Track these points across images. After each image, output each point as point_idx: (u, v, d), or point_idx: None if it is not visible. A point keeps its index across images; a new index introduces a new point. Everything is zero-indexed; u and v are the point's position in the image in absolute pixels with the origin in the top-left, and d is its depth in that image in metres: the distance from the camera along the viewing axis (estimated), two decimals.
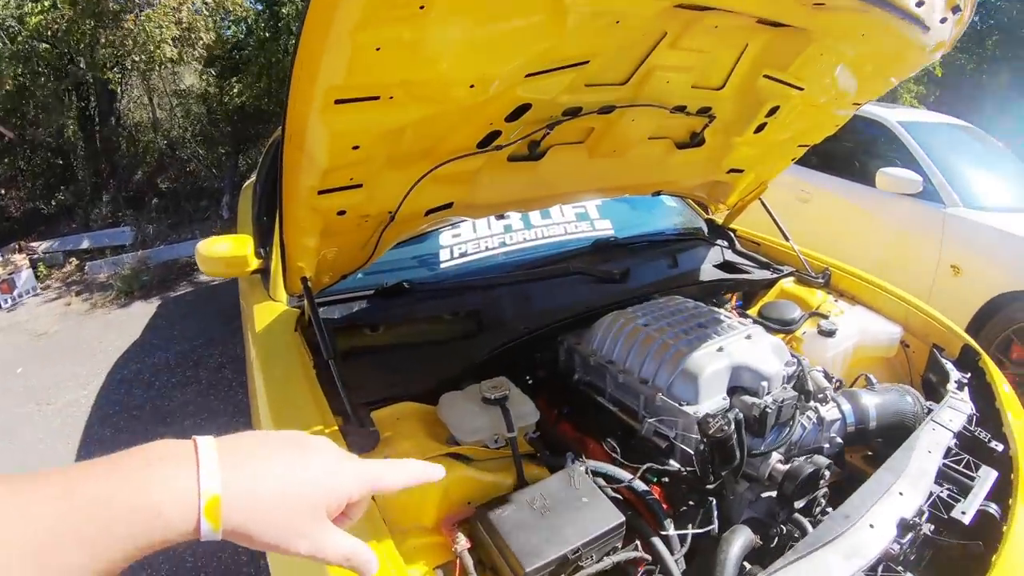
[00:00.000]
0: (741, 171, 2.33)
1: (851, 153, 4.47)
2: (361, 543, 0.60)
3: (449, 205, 1.60)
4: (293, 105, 1.09)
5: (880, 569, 1.20)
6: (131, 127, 7.01)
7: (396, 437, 1.41)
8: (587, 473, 1.34)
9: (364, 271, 1.75)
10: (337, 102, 1.08)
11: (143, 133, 7.11)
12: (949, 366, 1.93)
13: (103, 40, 5.50)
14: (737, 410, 1.41)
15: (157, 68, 6.76)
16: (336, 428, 1.35)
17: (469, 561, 1.16)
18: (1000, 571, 1.24)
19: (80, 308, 5.72)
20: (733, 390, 1.53)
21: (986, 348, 3.30)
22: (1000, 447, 1.61)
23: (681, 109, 1.74)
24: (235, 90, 6.82)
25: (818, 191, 4.46)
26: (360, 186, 1.34)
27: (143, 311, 5.62)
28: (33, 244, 6.13)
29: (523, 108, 1.36)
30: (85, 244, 6.17)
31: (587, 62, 1.30)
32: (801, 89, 1.79)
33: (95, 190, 6.49)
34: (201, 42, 6.44)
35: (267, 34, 6.65)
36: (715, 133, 1.98)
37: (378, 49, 0.95)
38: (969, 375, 1.90)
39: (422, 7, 0.90)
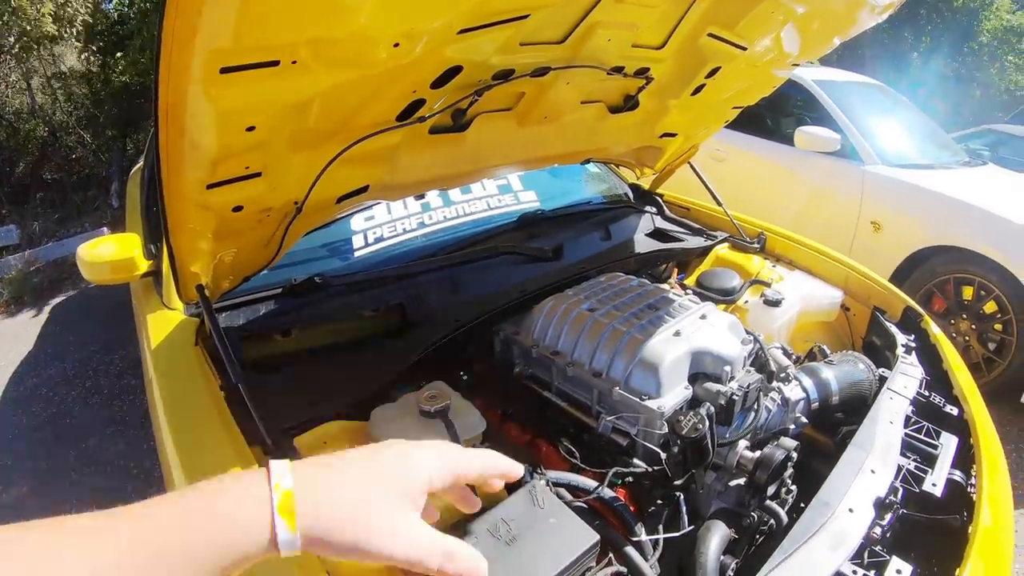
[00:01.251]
0: (674, 135, 2.19)
1: (767, 112, 4.44)
2: (462, 542, 0.54)
3: (364, 189, 1.37)
4: (166, 79, 0.84)
5: (866, 555, 1.14)
6: (9, 115, 6.20)
7: None
8: (549, 487, 1.18)
9: (267, 272, 1.50)
10: (224, 71, 0.84)
11: (22, 121, 6.31)
12: (893, 329, 1.89)
13: None
14: (708, 404, 1.27)
15: (35, 49, 6.02)
16: (255, 464, 1.12)
17: None
18: (979, 542, 1.22)
19: None
20: (694, 377, 1.39)
21: None
22: (955, 411, 1.60)
23: (619, 70, 1.56)
24: (119, 67, 6.14)
25: (734, 150, 4.41)
26: (259, 175, 1.09)
27: (35, 318, 5.08)
28: None
29: (452, 72, 1.14)
30: None
31: (527, 16, 1.09)
32: (744, 49, 1.64)
33: None
34: (79, 17, 5.75)
35: (149, 4, 5.98)
36: (651, 96, 1.81)
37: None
38: (913, 337, 1.86)
39: None
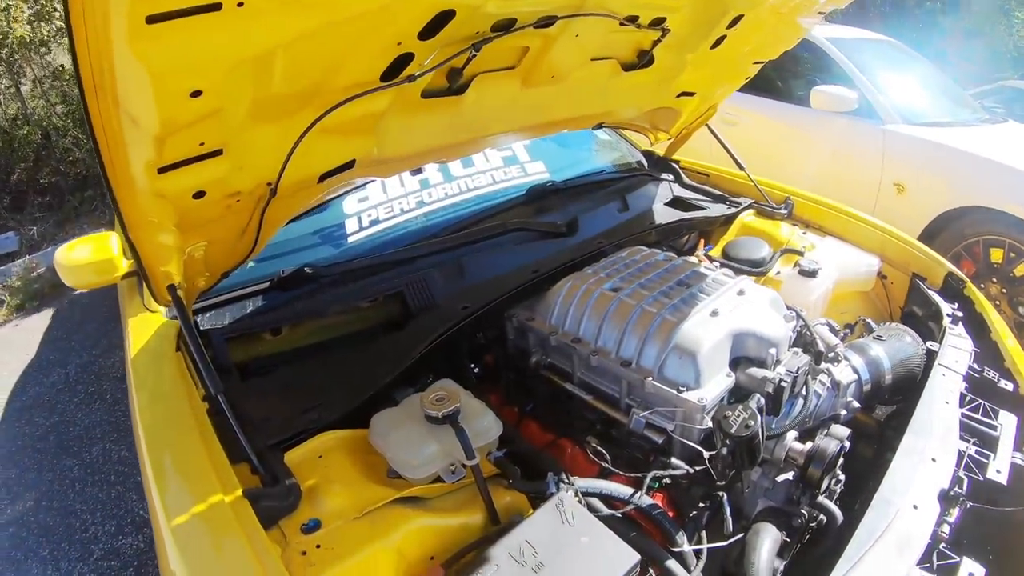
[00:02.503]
0: (692, 94, 1.99)
1: (778, 72, 4.19)
2: None
3: (350, 164, 1.18)
4: (83, 39, 0.68)
5: (935, 558, 1.02)
6: (2, 122, 6.03)
7: (323, 485, 1.04)
8: (579, 499, 1.01)
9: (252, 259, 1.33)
10: (151, 19, 0.66)
11: (16, 127, 6.13)
12: (936, 298, 1.74)
13: None
14: (756, 394, 1.09)
15: (18, 53, 5.83)
16: (239, 493, 0.95)
17: None
18: None
19: None
20: (736, 362, 1.22)
21: None
22: (1010, 386, 1.46)
23: (633, 20, 1.36)
24: None
25: (746, 113, 4.18)
26: (219, 153, 0.92)
27: (37, 324, 4.98)
28: None
29: (443, 18, 0.95)
30: None
31: None
32: None
33: None
34: (58, 12, 5.55)
35: None
36: (667, 50, 1.61)
37: None
38: (956, 305, 1.71)
39: None
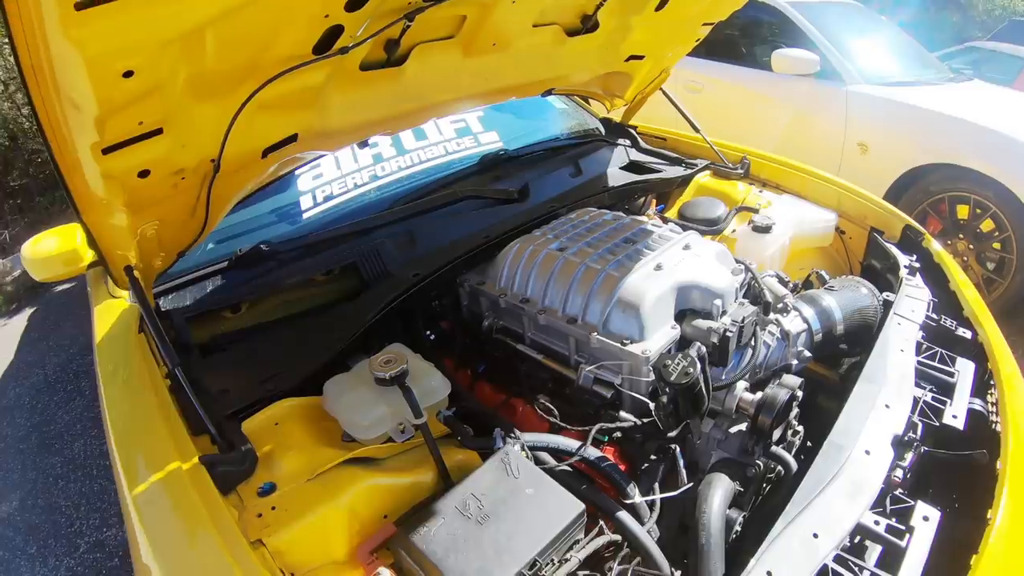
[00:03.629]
0: (641, 58, 2.02)
1: (740, 38, 4.25)
2: None
3: (293, 138, 1.20)
4: (19, 29, 0.71)
5: (888, 502, 1.03)
6: None
7: (278, 451, 1.07)
8: (524, 452, 1.05)
9: (208, 240, 1.35)
10: (79, 6, 0.69)
11: None
12: (894, 250, 1.77)
13: None
14: (699, 344, 1.13)
15: None
16: (196, 460, 0.99)
17: None
18: (1011, 479, 1.10)
19: None
20: (681, 314, 1.26)
21: None
22: (968, 333, 1.49)
23: None
24: None
25: (709, 80, 4.23)
26: (159, 132, 0.94)
27: (13, 327, 5.00)
28: None
29: None
30: None
31: None
32: None
33: None
34: None
35: None
36: (611, 13, 1.63)
37: None
38: (915, 257, 1.74)
39: None
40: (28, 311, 5.17)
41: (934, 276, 1.71)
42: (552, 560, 0.90)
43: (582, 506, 0.94)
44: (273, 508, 0.98)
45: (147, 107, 0.90)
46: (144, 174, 1.01)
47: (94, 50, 0.76)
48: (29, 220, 5.83)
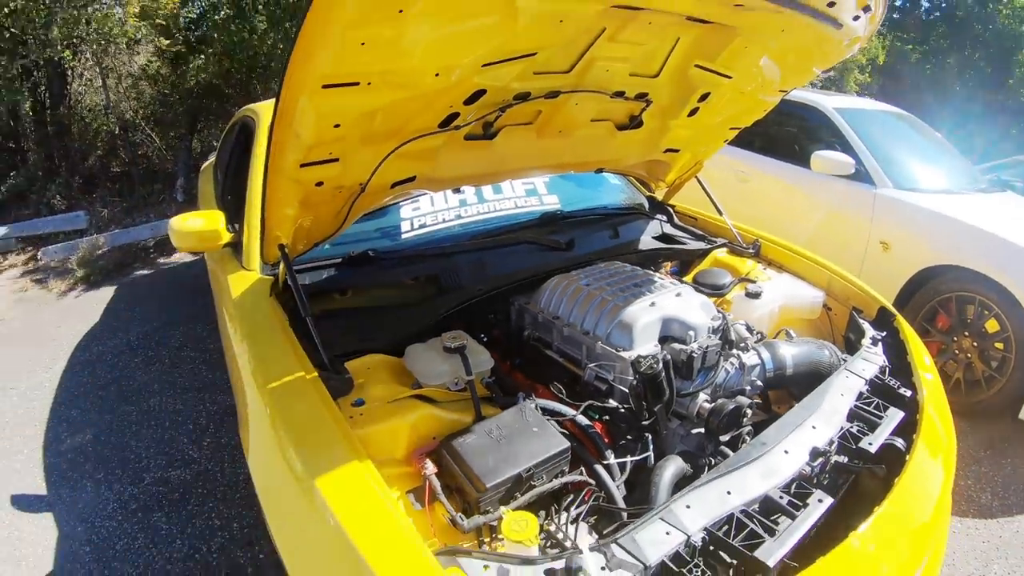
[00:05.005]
0: (677, 151, 2.60)
1: (790, 137, 4.81)
2: None
3: (412, 179, 1.83)
4: (287, 89, 1.30)
5: (793, 487, 1.44)
6: (83, 110, 6.96)
7: (369, 382, 1.63)
8: (536, 409, 1.58)
9: (331, 242, 1.96)
10: (325, 87, 1.30)
11: (95, 116, 7.07)
12: (865, 325, 2.19)
13: (58, 19, 5.48)
14: (665, 352, 1.66)
15: (113, 46, 6.70)
16: (316, 375, 1.55)
17: (436, 483, 1.36)
18: (900, 489, 1.46)
19: (36, 294, 5.73)
20: (664, 339, 1.79)
21: (914, 318, 3.66)
22: (908, 392, 1.83)
23: (620, 95, 1.99)
24: (196, 64, 6.79)
25: (756, 172, 4.78)
26: (337, 160, 1.55)
27: (100, 295, 5.65)
28: None
29: (479, 93, 1.59)
30: (41, 230, 6.16)
31: (535, 54, 1.53)
32: (729, 77, 2.05)
33: (47, 175, 6.45)
34: (162, 12, 6.40)
35: (231, 11, 6.66)
36: (652, 116, 2.23)
37: (363, 44, 1.17)
38: (884, 333, 2.15)
39: (400, 11, 1.12)
40: (112, 286, 5.81)
41: (898, 350, 2.07)
42: (542, 476, 1.42)
43: (568, 444, 1.46)
44: (361, 415, 1.52)
45: (335, 145, 1.52)
46: (319, 184, 1.62)
47: (324, 110, 1.37)
48: (127, 205, 6.72)
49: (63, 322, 5.14)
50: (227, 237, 2.36)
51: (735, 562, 1.22)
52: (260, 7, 6.44)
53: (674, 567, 1.18)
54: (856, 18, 1.81)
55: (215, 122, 7.71)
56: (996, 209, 4.01)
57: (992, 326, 3.53)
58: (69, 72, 6.55)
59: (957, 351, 3.68)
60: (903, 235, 3.88)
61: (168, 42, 6.68)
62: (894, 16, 16.88)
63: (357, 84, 1.30)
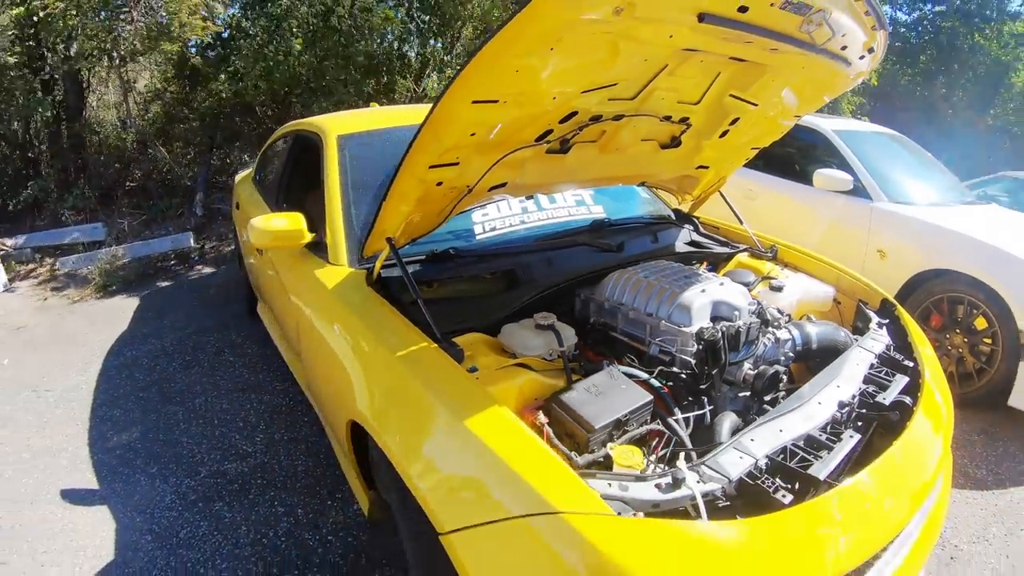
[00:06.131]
0: (706, 167, 3.07)
1: (793, 157, 5.40)
2: None
3: (504, 184, 2.25)
4: (446, 102, 1.67)
5: (828, 428, 1.85)
6: (100, 124, 7.30)
7: (475, 354, 2.03)
8: (621, 371, 1.99)
9: (411, 244, 2.35)
10: (474, 102, 1.70)
11: (114, 130, 7.42)
12: (871, 314, 2.64)
13: (81, 32, 5.82)
14: (721, 326, 2.08)
15: (134, 62, 6.98)
16: (434, 346, 1.95)
17: (550, 431, 1.67)
18: (910, 430, 1.83)
19: (57, 303, 6.00)
20: (714, 319, 2.21)
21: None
22: (911, 363, 2.22)
23: (668, 118, 2.43)
24: (221, 83, 7.12)
25: (763, 190, 5.38)
26: (457, 164, 1.96)
27: (124, 305, 5.93)
28: (2, 240, 6.35)
29: (572, 114, 2.02)
30: (60, 240, 6.45)
31: (615, 84, 1.96)
32: (756, 105, 2.50)
33: (64, 186, 6.75)
34: (199, 20, 6.71)
35: (265, 37, 7.03)
36: (690, 137, 2.68)
37: (517, 71, 1.58)
38: (887, 320, 2.60)
39: (552, 48, 1.53)
40: (137, 296, 6.05)
41: (899, 334, 2.45)
42: (632, 421, 1.82)
43: (650, 397, 1.86)
44: (477, 378, 1.90)
45: (460, 151, 1.92)
46: (439, 184, 2.02)
47: (466, 120, 1.77)
48: (146, 218, 7.03)
49: (89, 329, 5.38)
50: (309, 237, 2.75)
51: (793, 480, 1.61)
52: (295, 29, 6.80)
53: (749, 481, 1.59)
54: (862, 57, 2.27)
55: (235, 138, 8.05)
56: (981, 219, 4.56)
57: (980, 323, 4.01)
58: (87, 86, 6.89)
59: (950, 347, 4.18)
60: (898, 244, 4.41)
61: (197, 57, 7.02)
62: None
63: (496, 102, 1.71)
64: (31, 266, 6.47)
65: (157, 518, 3.00)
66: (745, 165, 3.22)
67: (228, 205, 6.95)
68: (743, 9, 1.67)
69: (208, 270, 6.74)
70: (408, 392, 1.85)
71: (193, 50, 7.21)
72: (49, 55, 6.17)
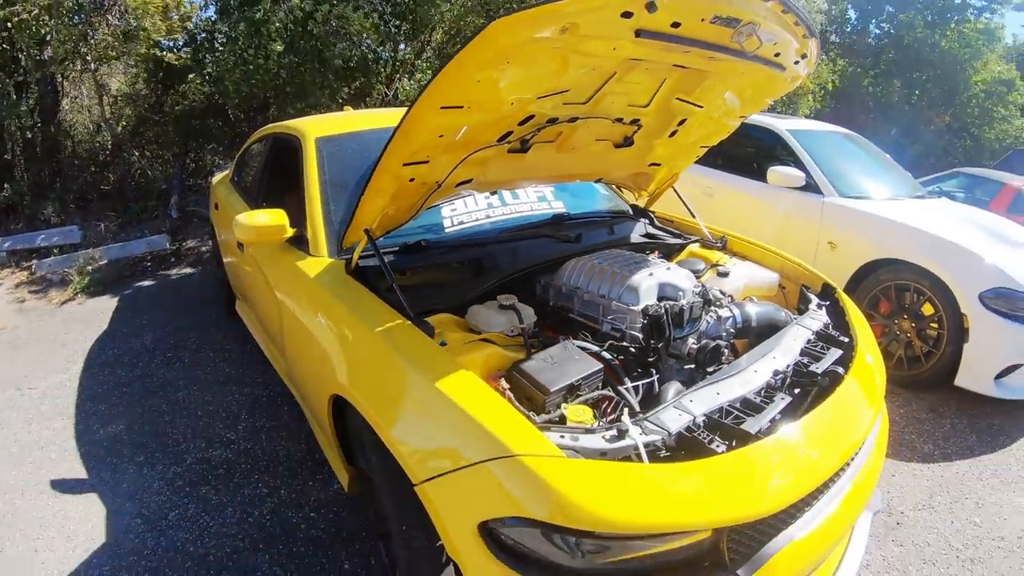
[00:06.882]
0: (659, 165, 3.37)
1: (749, 155, 5.75)
2: None
3: (470, 180, 2.52)
4: (418, 107, 1.93)
5: (763, 392, 2.11)
6: (74, 127, 7.43)
7: (445, 331, 2.29)
8: (575, 344, 2.26)
9: (385, 237, 2.60)
10: (442, 108, 1.97)
11: (88, 133, 7.55)
12: (813, 297, 2.91)
13: (55, 37, 5.97)
14: (665, 304, 2.37)
15: (108, 65, 7.14)
16: (409, 323, 2.21)
17: (511, 395, 2.00)
18: (838, 393, 2.05)
19: (35, 304, 6.13)
20: (660, 299, 2.50)
21: (859, 304, 4.51)
22: (846, 339, 2.45)
23: (619, 120, 2.72)
24: (195, 85, 7.27)
25: (720, 187, 5.74)
26: (427, 162, 2.23)
27: (103, 306, 6.07)
28: None
29: (529, 117, 2.30)
30: (34, 243, 6.57)
31: (568, 90, 2.24)
32: (701, 107, 2.80)
33: (38, 189, 6.88)
34: (179, 14, 6.87)
35: (246, 42, 7.22)
36: (642, 137, 2.98)
37: (478, 81, 1.86)
38: (828, 302, 2.88)
39: (508, 62, 1.81)
40: (116, 297, 6.19)
41: (838, 314, 2.68)
42: (584, 387, 2.10)
43: (601, 365, 2.13)
44: (447, 351, 2.18)
45: (431, 151, 2.19)
46: (411, 180, 2.29)
47: (435, 124, 2.04)
48: (122, 220, 7.18)
49: (70, 329, 5.52)
50: (290, 231, 2.99)
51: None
52: (273, 33, 6.99)
53: (686, 434, 1.86)
54: (796, 63, 2.57)
55: (208, 141, 8.23)
56: (928, 211, 4.93)
57: (927, 309, 4.34)
58: (61, 89, 7.02)
59: (898, 332, 4.53)
60: (847, 236, 4.76)
61: (173, 56, 7.17)
62: (846, 41, 18.40)
63: (462, 107, 1.99)
64: (7, 270, 6.59)
65: (146, 503, 3.18)
66: (704, 164, 3.55)
67: (203, 207, 7.12)
68: (676, 24, 1.96)
69: (186, 271, 6.90)
70: (385, 362, 2.10)
71: (164, 48, 7.37)
72: (24, 59, 6.31)
